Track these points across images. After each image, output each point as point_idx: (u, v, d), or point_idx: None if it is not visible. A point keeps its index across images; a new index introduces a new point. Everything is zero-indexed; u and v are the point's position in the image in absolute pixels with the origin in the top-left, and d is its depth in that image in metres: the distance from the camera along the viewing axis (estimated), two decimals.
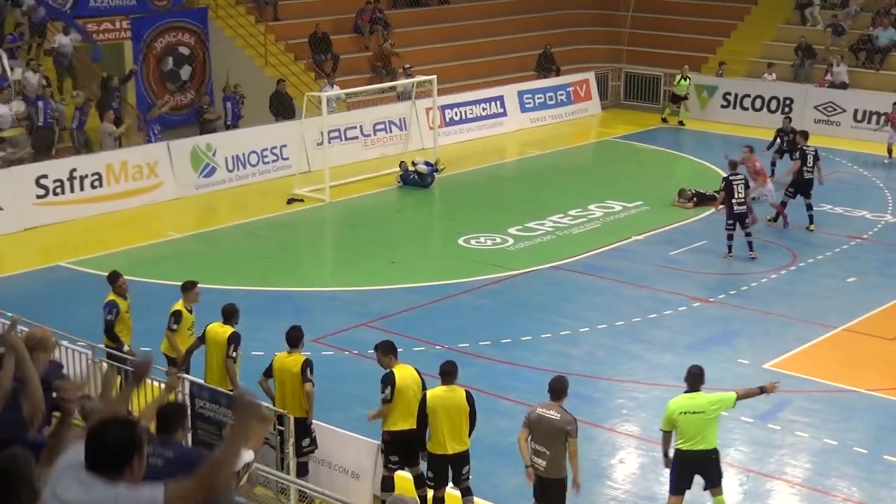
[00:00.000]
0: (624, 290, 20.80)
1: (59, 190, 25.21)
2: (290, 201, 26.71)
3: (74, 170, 25.49)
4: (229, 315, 14.01)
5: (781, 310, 19.76)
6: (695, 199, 26.06)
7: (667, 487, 13.65)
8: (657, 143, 33.01)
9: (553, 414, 11.73)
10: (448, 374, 12.23)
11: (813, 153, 24.45)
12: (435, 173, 28.31)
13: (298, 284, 21.24)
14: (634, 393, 16.48)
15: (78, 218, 25.04)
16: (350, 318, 19.23)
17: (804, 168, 24.27)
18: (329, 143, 28.37)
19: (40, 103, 26.76)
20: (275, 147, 28.99)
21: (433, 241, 25.36)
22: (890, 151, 30.10)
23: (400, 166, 28.36)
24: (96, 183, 25.78)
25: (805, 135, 25.68)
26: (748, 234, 22.31)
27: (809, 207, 24.29)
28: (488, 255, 22.72)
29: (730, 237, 22.32)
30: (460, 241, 23.62)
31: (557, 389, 11.90)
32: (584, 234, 24.24)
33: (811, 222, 24.31)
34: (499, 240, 23.68)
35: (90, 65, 30.13)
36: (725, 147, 32.76)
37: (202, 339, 14.19)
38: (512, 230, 24.28)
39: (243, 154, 28.40)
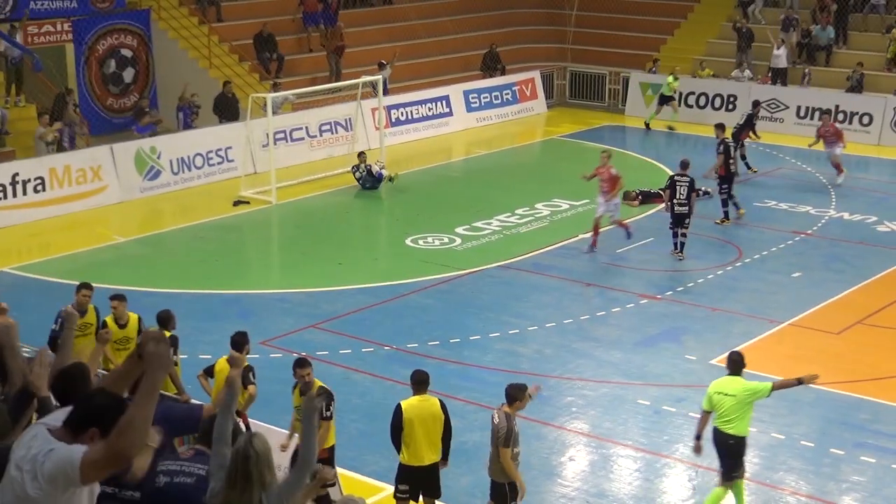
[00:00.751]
0: (572, 289, 20.87)
1: (0, 194, 24.88)
2: (237, 203, 26.56)
3: (17, 174, 25.18)
4: (165, 321, 13.96)
5: (728, 305, 19.92)
6: (640, 197, 26.23)
7: (616, 485, 13.74)
8: (603, 142, 33.11)
9: (495, 417, 11.72)
10: (421, 383, 12.03)
11: (733, 146, 25.32)
12: (382, 177, 27.93)
13: (246, 287, 21.12)
14: (583, 391, 16.54)
15: (21, 223, 24.74)
16: (299, 319, 19.16)
17: (729, 161, 24.70)
18: (275, 144, 28.25)
19: None
20: (220, 149, 28.81)
21: (381, 242, 25.30)
22: (838, 167, 28.54)
23: (359, 157, 28.08)
24: (39, 187, 25.48)
25: (722, 127, 25.89)
26: (682, 235, 22.36)
27: (732, 197, 24.75)
28: (436, 255, 22.72)
29: (675, 234, 22.45)
30: (408, 242, 23.60)
31: (508, 394, 11.81)
32: (532, 233, 24.29)
33: (739, 208, 25.01)
34: (446, 240, 23.67)
35: (40, 74, 29.71)
36: (670, 144, 33.03)
37: None
38: (459, 230, 24.29)
39: (188, 156, 28.19)
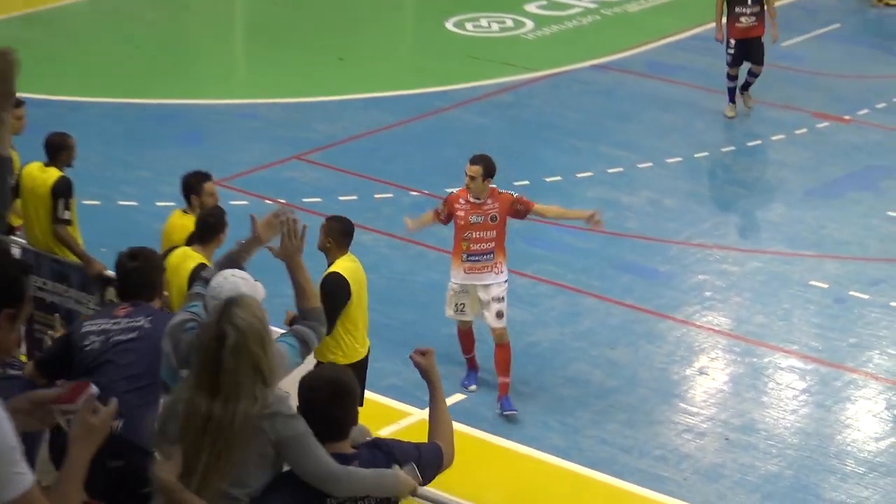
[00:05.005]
0: (708, 102, 20.74)
1: None
2: None
3: None
4: (57, 149, 13.65)
5: None
6: None
7: (772, 413, 13.74)
8: None
9: None
10: (346, 234, 11.92)
11: None
12: None
13: (193, 94, 21.12)
14: (723, 265, 16.47)
15: None
16: (276, 146, 19.15)
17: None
18: None
19: None
20: None
21: (407, 25, 25.19)
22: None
23: None
24: None
25: None
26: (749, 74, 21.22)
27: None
28: (494, 47, 22.66)
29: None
30: (449, 25, 23.58)
31: None
32: (647, 13, 24.23)
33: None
34: (510, 22, 23.49)
35: None
36: None
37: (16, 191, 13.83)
38: (531, 7, 24.18)
39: None
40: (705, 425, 13.52)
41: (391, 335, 14.00)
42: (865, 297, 15.70)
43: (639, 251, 16.54)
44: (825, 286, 15.93)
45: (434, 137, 19.53)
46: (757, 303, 15.67)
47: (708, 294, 15.83)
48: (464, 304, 13.65)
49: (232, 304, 6.33)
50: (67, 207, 13.35)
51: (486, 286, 13.46)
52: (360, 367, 11.85)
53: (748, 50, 19.98)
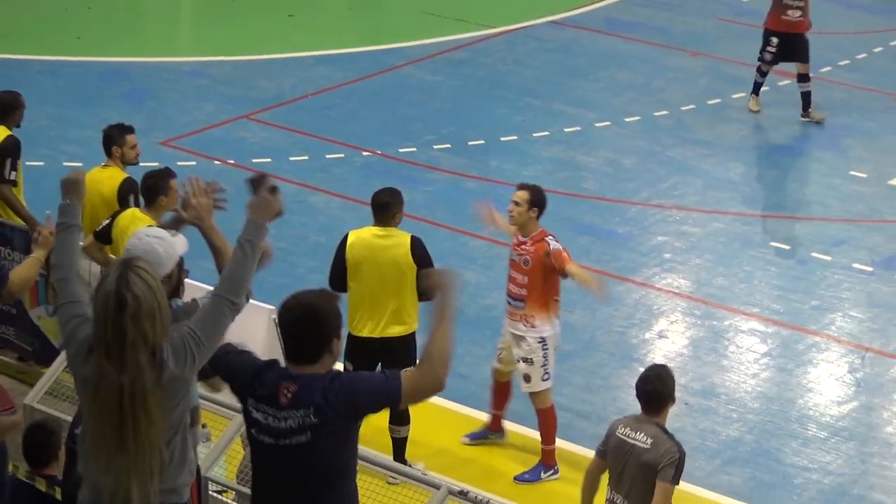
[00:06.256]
0: (667, 60, 20.76)
1: None
2: None
3: None
4: (8, 108, 13.64)
5: None
6: None
7: (732, 377, 13.78)
8: None
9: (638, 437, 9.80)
10: (382, 207, 11.82)
11: None
12: None
13: (138, 52, 20.98)
14: (683, 226, 16.49)
15: None
16: (222, 105, 19.10)
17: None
18: None
19: None
20: None
21: None
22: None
23: None
24: None
25: None
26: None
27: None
28: (448, 3, 22.70)
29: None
30: None
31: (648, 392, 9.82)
32: None
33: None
34: None
35: None
36: None
37: None
38: None
39: None
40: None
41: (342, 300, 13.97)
42: (827, 258, 15.74)
43: (597, 212, 16.55)
44: (787, 247, 16.01)
45: (387, 95, 19.47)
46: (718, 264, 15.70)
47: (667, 256, 15.86)
48: (502, 349, 12.46)
49: (127, 269, 6.34)
50: (14, 168, 13.35)
51: (518, 342, 12.21)
52: (348, 346, 11.62)
53: (791, 47, 19.13)
